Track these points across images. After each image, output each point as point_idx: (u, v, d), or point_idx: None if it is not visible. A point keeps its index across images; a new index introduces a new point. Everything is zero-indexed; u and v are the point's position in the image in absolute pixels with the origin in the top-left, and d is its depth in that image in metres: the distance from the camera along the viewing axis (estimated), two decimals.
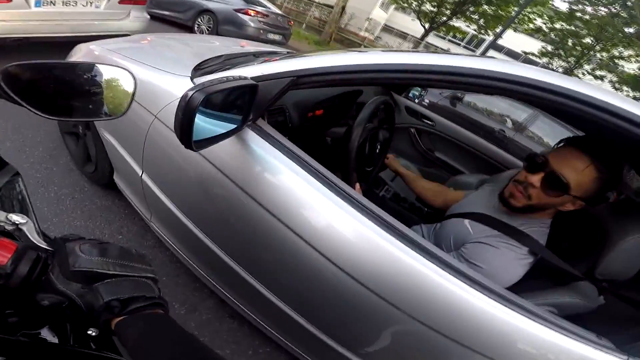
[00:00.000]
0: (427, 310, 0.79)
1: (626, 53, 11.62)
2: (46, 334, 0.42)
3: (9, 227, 0.41)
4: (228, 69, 1.02)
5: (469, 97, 4.23)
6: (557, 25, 14.05)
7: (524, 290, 0.86)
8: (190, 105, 0.64)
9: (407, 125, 2.12)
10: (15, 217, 0.41)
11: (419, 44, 17.50)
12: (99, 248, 0.42)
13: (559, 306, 0.87)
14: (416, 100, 2.48)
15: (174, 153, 1.05)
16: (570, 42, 13.65)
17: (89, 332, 0.42)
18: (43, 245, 0.41)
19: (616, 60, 12.12)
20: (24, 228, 0.41)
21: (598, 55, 12.89)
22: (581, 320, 0.81)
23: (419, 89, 2.38)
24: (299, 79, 0.83)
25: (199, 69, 1.10)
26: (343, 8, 11.07)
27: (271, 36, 6.16)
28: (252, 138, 0.89)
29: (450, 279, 0.77)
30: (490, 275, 0.84)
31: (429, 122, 2.07)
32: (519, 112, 4.08)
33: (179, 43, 1.59)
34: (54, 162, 1.75)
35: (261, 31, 5.91)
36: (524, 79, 0.69)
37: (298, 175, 0.86)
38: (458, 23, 17.46)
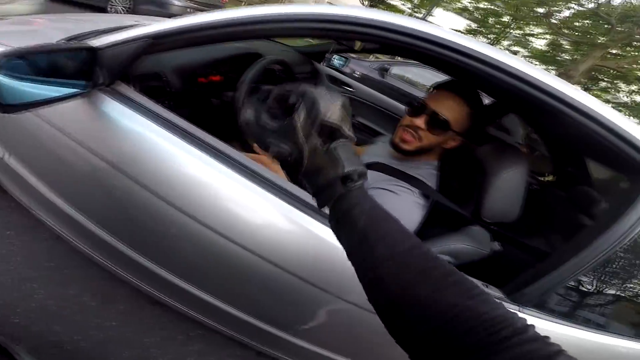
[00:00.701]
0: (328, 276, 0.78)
1: (536, 31, 12.94)
2: None
3: None
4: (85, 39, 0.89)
5: (398, 70, 4.46)
6: (481, 5, 15.05)
7: (424, 237, 0.86)
8: None
9: None
10: None
11: None
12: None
13: (452, 253, 0.90)
14: (344, 69, 2.50)
15: (27, 126, 0.91)
16: (491, 20, 14.76)
17: None
18: None
19: (528, 38, 13.44)
20: None
21: (514, 32, 14.16)
22: (477, 270, 0.85)
23: (342, 59, 2.39)
24: (156, 40, 0.78)
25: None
26: None
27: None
28: (108, 103, 0.81)
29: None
30: None
31: (348, 88, 2.10)
32: (437, 78, 4.34)
33: (71, 24, 1.35)
34: None
35: (188, 10, 5.38)
36: (383, 24, 0.72)
37: (167, 141, 0.79)
38: (395, 1, 17.86)
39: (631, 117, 12.23)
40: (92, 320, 1.20)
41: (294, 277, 0.79)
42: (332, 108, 0.40)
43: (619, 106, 11.69)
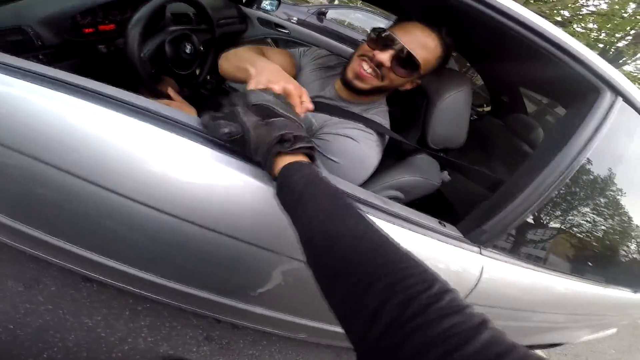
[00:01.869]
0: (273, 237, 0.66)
1: None
2: None
3: None
4: None
5: (334, 14, 4.29)
6: None
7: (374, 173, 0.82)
8: None
9: (263, 36, 1.98)
10: None
11: None
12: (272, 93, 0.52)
13: (403, 188, 0.84)
14: (275, 12, 2.28)
15: None
16: None
17: None
18: None
19: None
20: None
21: None
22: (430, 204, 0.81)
23: (274, 2, 2.22)
24: None
25: None
26: None
27: None
28: None
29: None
30: (350, 169, 0.75)
31: (283, 30, 1.95)
32: (379, 24, 4.30)
33: None
34: None
35: None
36: None
37: (48, 99, 0.58)
38: None
39: None
40: (22, 307, 1.08)
41: (228, 237, 0.65)
42: (260, 96, 0.51)
43: None
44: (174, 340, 1.20)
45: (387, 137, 0.84)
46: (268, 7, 2.15)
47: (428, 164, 0.89)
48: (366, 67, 0.78)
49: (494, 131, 1.30)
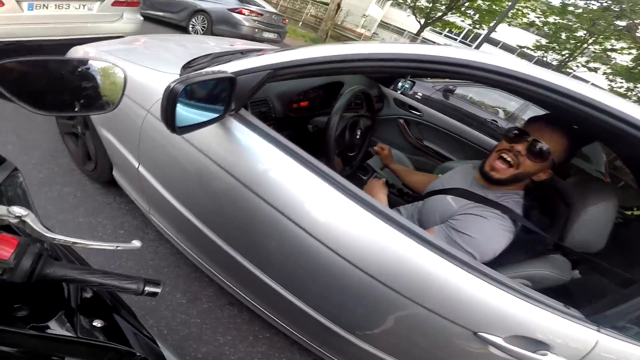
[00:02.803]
0: (414, 288, 0.85)
1: (618, 45, 11.69)
2: (54, 326, 0.42)
3: (12, 220, 0.40)
4: (215, 65, 1.08)
5: (461, 90, 4.36)
6: (550, 19, 14.11)
7: (502, 264, 0.93)
8: (172, 94, 0.73)
9: (396, 117, 2.19)
10: (18, 210, 0.40)
11: (415, 39, 17.54)
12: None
13: (532, 278, 0.92)
14: (408, 92, 2.56)
15: (166, 144, 1.11)
16: (563, 36, 13.72)
17: (95, 323, 0.45)
18: (49, 234, 0.40)
19: (609, 53, 12.19)
20: (28, 220, 0.40)
21: (591, 48, 12.95)
22: (559, 295, 0.86)
23: (409, 82, 2.48)
24: (275, 72, 0.90)
25: (188, 67, 1.16)
26: (338, 5, 11.09)
27: (266, 35, 6.22)
28: (236, 126, 0.96)
29: (433, 257, 0.82)
30: (482, 244, 0.91)
31: (416, 112, 2.14)
32: (512, 102, 4.17)
33: (172, 44, 1.65)
34: (55, 162, 1.79)
35: (256, 30, 5.98)
36: (479, 64, 0.78)
37: (281, 161, 0.93)
38: (453, 18, 17.55)
39: None
40: (178, 316, 1.35)
41: (382, 284, 0.86)
42: None
43: None
44: None
45: (519, 224, 0.95)
46: (403, 87, 2.40)
47: (561, 262, 0.95)
48: (504, 158, 0.96)
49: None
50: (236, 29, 5.72)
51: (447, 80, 4.18)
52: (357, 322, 1.03)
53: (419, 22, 17.29)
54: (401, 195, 1.72)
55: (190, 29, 5.89)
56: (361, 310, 0.98)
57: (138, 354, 0.45)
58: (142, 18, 3.04)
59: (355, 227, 0.88)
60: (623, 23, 10.78)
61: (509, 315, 0.82)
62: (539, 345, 0.82)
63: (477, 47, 12.98)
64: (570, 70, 14.54)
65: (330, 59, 0.88)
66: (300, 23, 13.57)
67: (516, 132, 0.96)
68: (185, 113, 0.81)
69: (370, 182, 1.06)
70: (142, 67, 1.17)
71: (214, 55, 1.33)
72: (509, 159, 0.95)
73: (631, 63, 11.34)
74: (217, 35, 5.32)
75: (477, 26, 17.10)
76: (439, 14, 16.73)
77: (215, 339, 1.36)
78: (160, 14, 5.86)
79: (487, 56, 0.80)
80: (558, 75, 0.77)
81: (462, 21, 17.49)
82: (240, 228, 1.08)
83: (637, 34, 9.86)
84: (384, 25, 24.08)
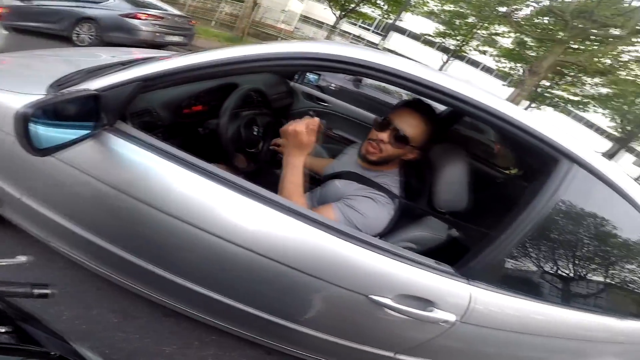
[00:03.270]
0: (319, 267, 0.94)
1: (501, 30, 13.55)
2: None
3: None
4: (90, 80, 1.02)
5: (369, 80, 4.67)
6: (447, 7, 15.71)
7: (391, 231, 1.09)
8: (20, 118, 0.73)
9: (307, 109, 2.28)
10: None
11: (333, 31, 18.03)
12: None
13: (415, 241, 1.09)
14: (318, 84, 2.67)
15: (42, 167, 1.03)
16: (457, 22, 15.40)
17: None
18: None
19: (494, 37, 14.05)
20: None
21: (480, 32, 14.78)
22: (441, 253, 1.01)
23: (316, 75, 2.60)
24: (146, 82, 0.92)
25: (60, 85, 1.09)
26: (254, 2, 10.80)
27: (170, 38, 5.80)
28: (115, 141, 0.95)
29: (333, 239, 0.91)
30: (369, 221, 1.04)
31: (324, 103, 2.28)
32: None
33: (41, 61, 1.49)
34: None
35: (157, 34, 5.51)
36: (338, 57, 0.89)
37: (168, 169, 0.94)
38: (365, 9, 18.44)
39: (599, 109, 12.83)
40: (117, 335, 1.33)
41: (291, 269, 0.93)
42: None
43: (586, 98, 12.32)
44: None
45: (397, 201, 1.11)
46: (312, 79, 2.54)
47: (436, 223, 1.13)
48: (372, 144, 1.10)
49: (517, 193, 1.48)
50: (133, 35, 5.18)
51: None
52: (290, 309, 1.09)
53: (335, 14, 17.83)
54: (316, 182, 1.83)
55: (75, 38, 5.17)
56: (288, 297, 1.05)
57: (53, 353, 0.47)
58: (6, 32, 2.69)
59: (257, 222, 0.94)
60: (504, 9, 12.51)
61: (392, 277, 0.93)
62: (427, 303, 0.94)
63: (385, 37, 13.91)
64: (465, 54, 16.44)
65: (198, 66, 0.91)
66: (214, 22, 12.89)
67: (382, 120, 1.11)
68: (50, 134, 0.80)
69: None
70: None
71: (87, 70, 1.25)
72: (376, 145, 1.09)
73: (512, 45, 13.24)
74: (109, 44, 4.82)
75: (386, 16, 18.27)
76: (352, 5, 17.44)
77: (161, 350, 1.34)
78: (37, 24, 5.04)
79: (375, 55, 0.90)
80: (405, 61, 0.91)
81: (373, 12, 18.52)
82: (153, 244, 1.06)
83: (514, 19, 11.52)
84: (305, 19, 24.28)
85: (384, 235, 1.10)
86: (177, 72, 0.92)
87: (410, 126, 1.06)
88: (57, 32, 5.12)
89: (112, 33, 5.15)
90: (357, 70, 0.89)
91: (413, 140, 1.07)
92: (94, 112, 0.89)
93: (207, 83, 1.52)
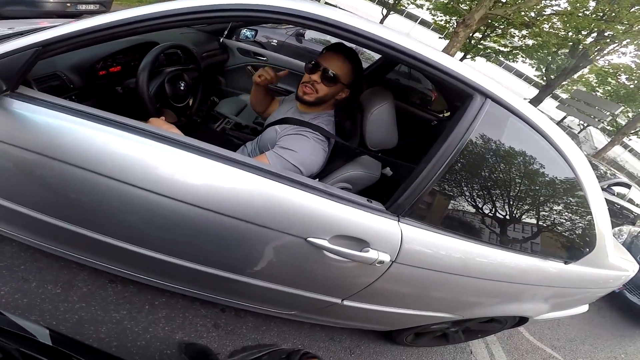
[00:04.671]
0: (254, 212, 0.92)
1: None
2: None
3: None
4: None
5: (312, 34, 4.58)
6: None
7: (326, 172, 1.12)
8: None
9: (243, 64, 2.26)
10: None
11: None
12: None
13: (349, 179, 1.13)
14: (255, 39, 2.55)
15: None
16: None
17: None
18: None
19: None
20: None
21: None
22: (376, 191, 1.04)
23: (251, 30, 2.54)
24: (45, 48, 0.86)
25: None
26: None
27: (83, 7, 5.02)
28: (19, 105, 0.88)
29: (267, 182, 0.90)
30: (304, 157, 1.08)
31: (261, 57, 2.23)
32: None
33: None
34: None
35: (68, 4, 4.75)
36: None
37: (86, 127, 0.88)
38: None
39: (526, 59, 13.73)
40: (61, 306, 1.30)
41: (232, 218, 0.91)
42: None
43: (515, 49, 13.13)
44: (187, 328, 1.44)
45: (331, 139, 1.15)
46: (249, 35, 2.47)
47: (369, 162, 1.18)
48: (307, 86, 1.18)
49: None
50: (37, 7, 4.36)
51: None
52: (233, 261, 1.08)
53: None
54: (255, 133, 1.83)
55: None
56: (229, 248, 1.02)
57: None
58: None
59: (188, 172, 0.90)
60: None
61: (328, 217, 0.93)
62: (362, 243, 0.96)
63: None
64: (403, 8, 16.36)
65: (105, 26, 0.86)
66: None
67: (312, 64, 1.18)
68: None
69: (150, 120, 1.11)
70: None
71: None
72: (311, 87, 1.18)
73: None
74: (8, 19, 4.06)
75: None
76: None
77: (110, 317, 1.33)
78: None
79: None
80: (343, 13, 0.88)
81: None
82: (83, 207, 0.99)
83: None
84: None
85: (320, 175, 1.13)
86: (80, 35, 0.86)
87: (336, 66, 1.16)
88: None
89: (10, 7, 4.33)
90: (301, 22, 0.87)
91: (342, 78, 1.17)
92: None
93: (123, 43, 1.43)
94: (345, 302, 1.20)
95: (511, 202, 1.09)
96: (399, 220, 0.98)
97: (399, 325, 1.55)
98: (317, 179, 1.10)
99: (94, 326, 1.29)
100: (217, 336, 1.47)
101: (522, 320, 1.55)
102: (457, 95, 1.03)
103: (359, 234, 0.96)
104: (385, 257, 0.98)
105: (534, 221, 1.14)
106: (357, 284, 1.12)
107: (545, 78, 13.27)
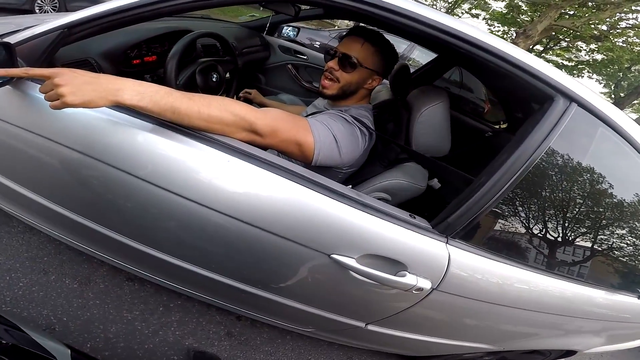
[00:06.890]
0: (274, 221, 0.79)
1: None
2: None
3: None
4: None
5: None
6: None
7: (361, 179, 0.98)
8: None
9: (284, 63, 2.19)
10: None
11: None
12: None
13: (388, 189, 0.97)
14: (295, 38, 2.54)
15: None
16: None
17: None
18: None
19: (486, 0, 13.49)
20: None
21: None
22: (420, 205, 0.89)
23: (294, 30, 2.54)
24: (71, 30, 0.83)
25: None
26: None
27: None
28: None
29: (291, 185, 0.77)
30: (344, 139, 0.91)
31: (302, 56, 2.16)
32: (402, 45, 4.40)
33: None
34: None
35: None
36: None
37: (110, 117, 0.79)
38: None
39: (593, 75, 12.72)
40: (75, 302, 1.28)
41: (270, 234, 0.79)
42: None
43: (580, 64, 12.18)
44: (199, 335, 1.35)
45: (373, 134, 1.00)
46: (290, 34, 2.43)
47: (414, 170, 1.00)
48: (325, 76, 1.06)
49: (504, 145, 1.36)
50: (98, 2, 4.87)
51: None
52: (250, 273, 0.96)
53: None
54: None
55: (38, 11, 4.88)
56: (247, 259, 0.90)
57: (4, 342, 0.47)
58: None
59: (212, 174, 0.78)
60: None
61: (358, 232, 0.78)
62: (398, 266, 0.81)
63: None
64: (458, 17, 15.86)
65: (130, 6, 0.80)
66: None
67: (330, 52, 1.07)
68: None
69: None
70: None
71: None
72: (330, 76, 1.05)
73: (505, 9, 12.74)
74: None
75: None
76: None
77: (122, 317, 1.29)
78: None
79: None
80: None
81: None
82: (107, 206, 0.92)
83: None
84: None
85: (353, 181, 1.00)
86: (104, 16, 0.82)
87: (355, 49, 1.02)
88: (16, 5, 4.78)
89: (76, 3, 4.91)
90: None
91: (364, 62, 1.02)
92: (8, 64, 0.78)
93: (156, 31, 1.40)
94: (369, 327, 1.05)
95: (591, 230, 0.90)
96: (447, 242, 0.81)
97: (426, 353, 1.38)
98: (350, 186, 0.93)
99: (104, 325, 1.25)
100: (229, 345, 1.38)
101: (569, 353, 1.34)
102: (525, 103, 0.84)
103: (395, 255, 0.80)
104: (426, 284, 0.81)
105: (618, 253, 0.96)
106: (385, 309, 0.96)
107: (613, 95, 12.18)
